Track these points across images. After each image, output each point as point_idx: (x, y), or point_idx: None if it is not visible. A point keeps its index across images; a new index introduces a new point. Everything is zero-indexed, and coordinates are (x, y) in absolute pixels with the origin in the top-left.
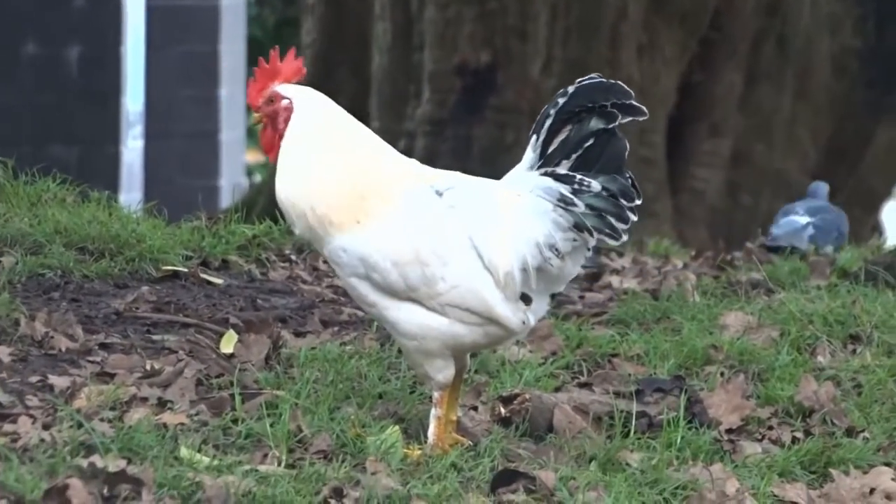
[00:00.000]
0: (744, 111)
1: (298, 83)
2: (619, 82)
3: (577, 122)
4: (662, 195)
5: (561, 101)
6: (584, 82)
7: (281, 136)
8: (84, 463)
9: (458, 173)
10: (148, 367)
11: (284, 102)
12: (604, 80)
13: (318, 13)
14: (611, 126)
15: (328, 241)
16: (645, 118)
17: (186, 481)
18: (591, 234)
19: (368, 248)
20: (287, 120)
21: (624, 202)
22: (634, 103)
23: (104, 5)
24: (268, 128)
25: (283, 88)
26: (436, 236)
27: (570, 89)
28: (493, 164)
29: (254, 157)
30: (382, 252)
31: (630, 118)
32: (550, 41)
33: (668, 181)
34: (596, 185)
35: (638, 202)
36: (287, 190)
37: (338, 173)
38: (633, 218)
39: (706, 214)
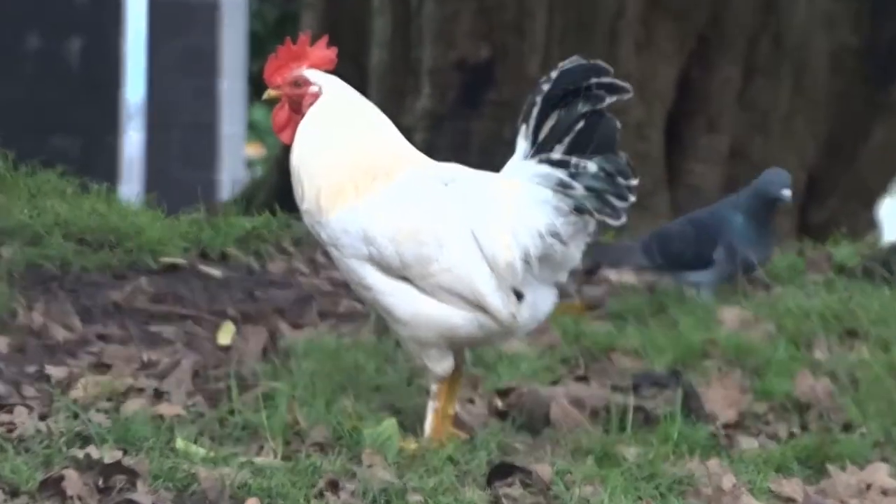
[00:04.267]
0: (741, 106)
1: (327, 72)
2: (599, 61)
3: (563, 107)
4: (660, 190)
5: (545, 87)
6: (565, 67)
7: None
8: (80, 454)
9: (458, 165)
10: (145, 359)
11: (313, 89)
12: (584, 61)
13: (318, 9)
14: (598, 107)
15: (331, 218)
16: (629, 95)
17: (182, 473)
18: (592, 216)
19: (368, 220)
20: (311, 105)
21: (621, 181)
22: (616, 81)
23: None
24: (285, 108)
25: (312, 74)
26: (436, 219)
27: (553, 75)
28: (491, 157)
29: (254, 150)
30: (382, 226)
31: (615, 97)
32: (548, 38)
33: (666, 176)
34: (592, 166)
35: (635, 181)
36: (301, 162)
37: (353, 151)
38: (632, 197)
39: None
